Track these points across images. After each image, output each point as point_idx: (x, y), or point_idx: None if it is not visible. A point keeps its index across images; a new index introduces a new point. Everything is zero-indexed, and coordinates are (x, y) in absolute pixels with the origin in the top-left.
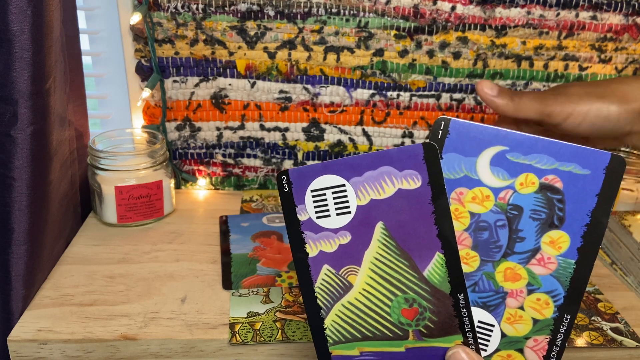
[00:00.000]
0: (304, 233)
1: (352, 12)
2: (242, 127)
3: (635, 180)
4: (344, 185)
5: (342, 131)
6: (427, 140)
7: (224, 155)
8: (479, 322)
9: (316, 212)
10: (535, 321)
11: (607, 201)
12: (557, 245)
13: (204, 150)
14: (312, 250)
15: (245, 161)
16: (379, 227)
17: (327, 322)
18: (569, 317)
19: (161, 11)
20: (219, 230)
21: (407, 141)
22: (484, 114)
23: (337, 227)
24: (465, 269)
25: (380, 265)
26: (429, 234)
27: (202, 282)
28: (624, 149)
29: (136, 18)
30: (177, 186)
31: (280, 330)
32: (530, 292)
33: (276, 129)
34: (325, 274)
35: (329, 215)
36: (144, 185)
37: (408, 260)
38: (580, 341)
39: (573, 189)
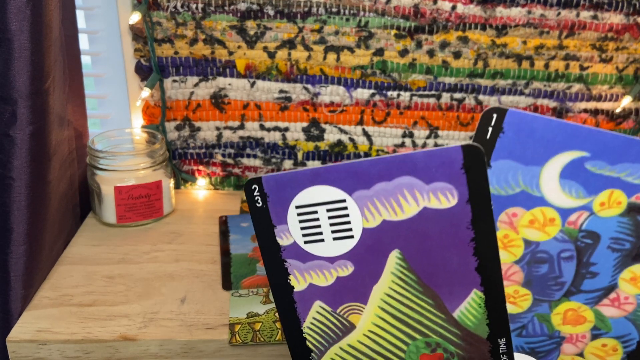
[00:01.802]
0: (286, 261)
1: (352, 11)
2: (241, 127)
3: None
4: (344, 200)
5: (342, 131)
6: (470, 142)
7: (223, 155)
8: None
9: (304, 236)
10: None
11: None
12: (639, 282)
13: (203, 150)
14: (298, 282)
15: (245, 161)
16: (393, 257)
17: None
18: None
19: (161, 11)
20: (218, 230)
21: (408, 141)
22: None
23: (335, 255)
24: (512, 309)
25: (394, 304)
26: (464, 266)
27: (202, 282)
28: None
29: (135, 17)
30: (177, 186)
31: (280, 331)
32: (595, 337)
33: (276, 128)
34: (318, 311)
35: (322, 240)
36: (144, 185)
37: (433, 299)
38: None
39: None
